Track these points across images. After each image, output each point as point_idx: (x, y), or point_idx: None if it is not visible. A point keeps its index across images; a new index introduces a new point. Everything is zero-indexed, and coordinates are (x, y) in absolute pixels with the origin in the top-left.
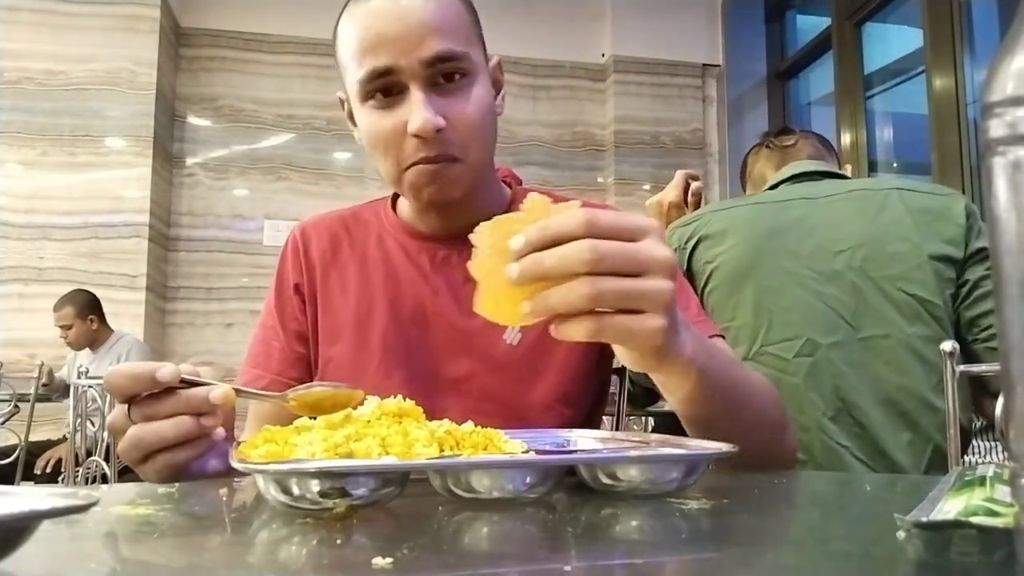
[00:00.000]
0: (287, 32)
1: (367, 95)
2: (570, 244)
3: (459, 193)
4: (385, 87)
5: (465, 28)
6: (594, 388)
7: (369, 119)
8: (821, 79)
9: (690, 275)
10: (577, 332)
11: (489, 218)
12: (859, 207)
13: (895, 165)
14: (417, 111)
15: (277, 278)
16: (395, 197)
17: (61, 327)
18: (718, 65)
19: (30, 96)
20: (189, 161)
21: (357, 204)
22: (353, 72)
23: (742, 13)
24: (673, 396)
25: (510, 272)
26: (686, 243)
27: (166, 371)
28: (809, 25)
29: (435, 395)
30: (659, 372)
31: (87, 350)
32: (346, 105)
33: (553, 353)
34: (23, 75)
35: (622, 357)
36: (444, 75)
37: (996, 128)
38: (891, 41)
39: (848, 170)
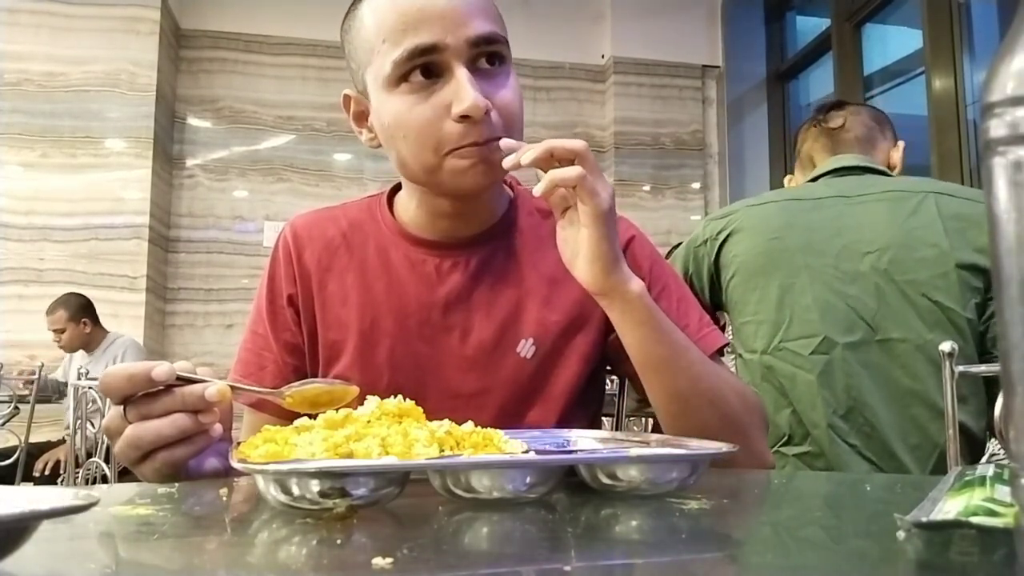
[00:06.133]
0: (287, 34)
1: (402, 77)
2: (571, 142)
3: (501, 177)
4: (425, 66)
5: (500, 17)
6: (600, 390)
7: (402, 104)
8: (821, 80)
9: (717, 267)
10: (567, 174)
11: (496, 221)
12: (892, 209)
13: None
14: (466, 90)
15: (268, 283)
16: (391, 197)
17: (54, 331)
18: (718, 66)
19: (30, 98)
20: (189, 163)
21: (347, 202)
22: (385, 54)
23: (742, 14)
24: (624, 330)
25: (524, 155)
26: (718, 235)
27: (162, 370)
28: (809, 26)
29: (447, 412)
30: (610, 293)
31: (82, 352)
32: (353, 104)
33: (566, 364)
34: (23, 77)
35: (586, 266)
36: (487, 58)
37: (996, 128)
38: (891, 42)
39: (900, 148)
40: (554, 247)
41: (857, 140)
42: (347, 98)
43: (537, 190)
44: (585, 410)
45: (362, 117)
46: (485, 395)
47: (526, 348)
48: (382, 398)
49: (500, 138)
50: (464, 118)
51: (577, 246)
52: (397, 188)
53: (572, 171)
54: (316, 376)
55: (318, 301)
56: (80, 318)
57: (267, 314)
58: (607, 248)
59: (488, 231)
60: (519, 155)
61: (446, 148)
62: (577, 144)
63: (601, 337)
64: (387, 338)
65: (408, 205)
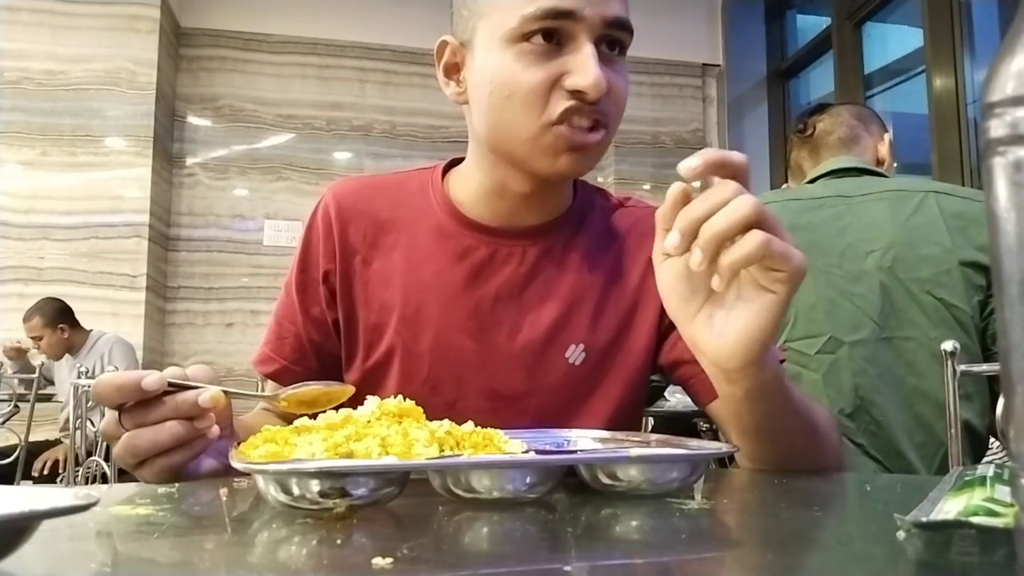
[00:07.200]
0: (287, 32)
1: (524, 36)
2: (732, 204)
3: (590, 169)
4: (551, 31)
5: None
6: (642, 404)
7: (515, 63)
8: (821, 79)
9: None
10: (748, 248)
11: (560, 214)
12: (893, 208)
13: (895, 165)
14: (591, 66)
15: (302, 253)
16: (444, 172)
17: (32, 338)
18: (718, 65)
19: (30, 96)
20: (189, 161)
21: (395, 172)
22: (514, 6)
23: (742, 13)
24: (736, 403)
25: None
26: None
27: (152, 380)
28: (809, 25)
29: (485, 410)
30: (746, 371)
31: (67, 356)
32: (448, 53)
33: (613, 372)
34: (23, 75)
35: (741, 342)
36: (610, 43)
37: (996, 128)
38: (891, 41)
39: (887, 141)
40: (615, 245)
41: (841, 141)
42: (443, 45)
43: (716, 284)
44: (630, 420)
45: (453, 69)
46: (527, 398)
47: (576, 354)
48: (421, 390)
49: (604, 124)
50: (577, 93)
51: (716, 306)
52: (451, 164)
53: (751, 244)
54: (353, 361)
55: (360, 280)
56: (57, 324)
57: (297, 284)
58: (778, 322)
59: (550, 223)
60: (686, 251)
61: (549, 119)
62: (744, 207)
63: (650, 342)
64: (431, 327)
65: (468, 183)
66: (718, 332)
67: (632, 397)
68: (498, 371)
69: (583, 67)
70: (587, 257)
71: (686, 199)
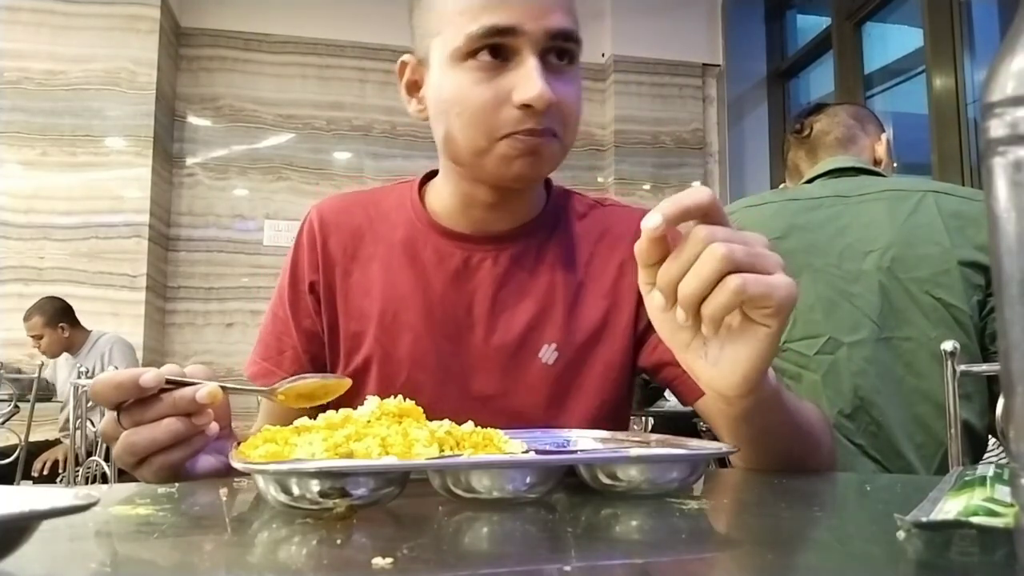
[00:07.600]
0: (287, 32)
1: (471, 54)
2: (699, 261)
3: (547, 172)
4: (497, 48)
5: (577, 17)
6: (625, 406)
7: (464, 81)
8: (821, 79)
9: None
10: (723, 299)
11: (531, 218)
12: (891, 208)
13: (895, 165)
14: (534, 79)
15: (291, 268)
16: (421, 185)
17: (32, 337)
18: (718, 65)
19: (30, 96)
20: (189, 161)
21: (376, 187)
22: (459, 26)
23: (742, 13)
24: (735, 419)
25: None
26: None
27: (149, 376)
28: (809, 25)
29: (463, 412)
30: (748, 396)
31: (66, 355)
32: (408, 72)
33: (589, 372)
34: (23, 75)
35: (742, 370)
36: (558, 53)
37: (996, 128)
38: (891, 41)
39: (884, 141)
40: (590, 246)
41: (838, 141)
42: (403, 65)
43: (705, 331)
44: (613, 422)
45: (415, 87)
46: (503, 399)
47: (548, 354)
48: (400, 394)
49: (555, 132)
50: (525, 106)
51: (709, 337)
52: (429, 176)
53: (725, 293)
54: (335, 369)
55: (341, 290)
56: (57, 323)
57: (289, 298)
58: (772, 353)
59: (522, 227)
60: (671, 308)
61: (499, 133)
62: (712, 260)
63: (629, 343)
64: (409, 332)
65: (442, 192)
66: (712, 362)
67: (614, 397)
68: (474, 373)
69: (527, 80)
70: (561, 259)
71: (662, 238)
